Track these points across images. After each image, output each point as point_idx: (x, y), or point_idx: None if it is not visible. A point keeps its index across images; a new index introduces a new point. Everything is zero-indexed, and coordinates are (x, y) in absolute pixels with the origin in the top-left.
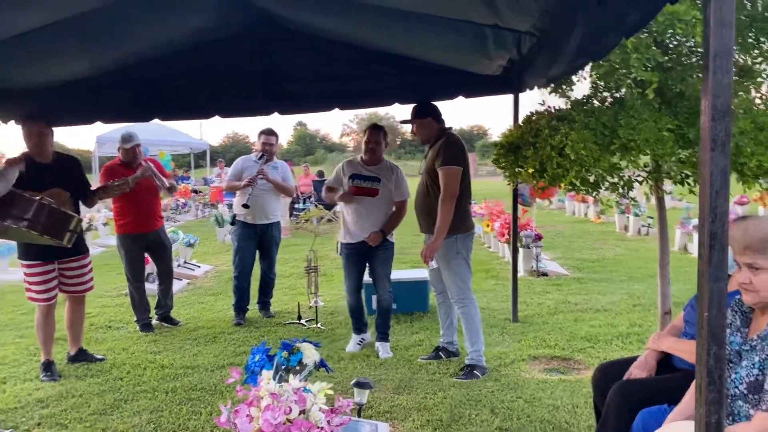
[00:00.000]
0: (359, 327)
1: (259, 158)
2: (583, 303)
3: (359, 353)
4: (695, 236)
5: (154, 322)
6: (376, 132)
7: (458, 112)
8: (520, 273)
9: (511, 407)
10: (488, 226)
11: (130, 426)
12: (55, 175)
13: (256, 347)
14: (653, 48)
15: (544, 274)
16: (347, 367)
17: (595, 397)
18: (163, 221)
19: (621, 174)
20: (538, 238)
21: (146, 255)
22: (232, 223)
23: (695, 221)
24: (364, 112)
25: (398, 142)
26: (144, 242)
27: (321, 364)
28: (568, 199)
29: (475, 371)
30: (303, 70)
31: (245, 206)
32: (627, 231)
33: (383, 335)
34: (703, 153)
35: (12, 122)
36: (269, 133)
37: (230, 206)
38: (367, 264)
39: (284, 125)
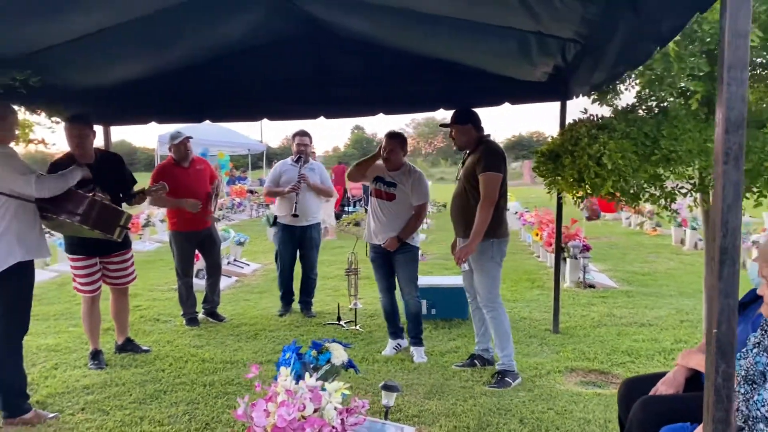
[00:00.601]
0: (395, 332)
1: (296, 161)
2: (629, 317)
3: (394, 357)
4: (754, 252)
5: (200, 316)
6: (392, 140)
7: (516, 118)
8: (567, 284)
9: (540, 418)
10: (537, 234)
11: (166, 416)
12: (97, 175)
13: (288, 345)
14: (698, 57)
15: (591, 286)
16: (381, 369)
17: (620, 412)
18: (212, 219)
19: (663, 185)
20: (586, 248)
21: (196, 252)
22: (273, 224)
23: (755, 236)
24: (421, 116)
25: (454, 148)
26: (195, 239)
27: (349, 365)
28: (624, 211)
29: (506, 378)
30: (349, 75)
31: (295, 215)
32: (683, 244)
33: (416, 340)
34: (716, 166)
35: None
36: (303, 134)
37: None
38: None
39: (342, 129)
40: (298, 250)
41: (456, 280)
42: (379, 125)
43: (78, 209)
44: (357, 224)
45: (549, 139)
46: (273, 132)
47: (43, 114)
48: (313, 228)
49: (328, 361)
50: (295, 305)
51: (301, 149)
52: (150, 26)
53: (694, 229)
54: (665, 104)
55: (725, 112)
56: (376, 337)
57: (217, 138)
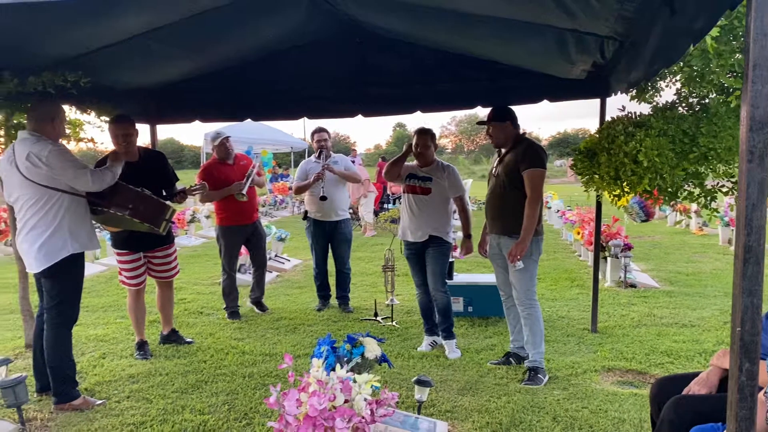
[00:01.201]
0: (430, 328)
1: (318, 156)
2: (670, 317)
3: (430, 353)
4: None
5: (247, 304)
6: (423, 136)
7: (561, 115)
8: (608, 283)
9: (574, 417)
10: (578, 233)
11: (206, 405)
12: (141, 172)
13: (323, 339)
14: (737, 53)
15: (633, 286)
16: (416, 365)
17: (652, 411)
18: (258, 214)
19: (702, 183)
20: (628, 247)
21: (242, 247)
22: (304, 218)
23: None
24: (462, 113)
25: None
26: (242, 233)
27: (382, 359)
28: (670, 210)
29: (539, 374)
30: (388, 73)
31: (323, 198)
32: (731, 245)
33: (447, 333)
34: (740, 164)
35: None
36: (321, 131)
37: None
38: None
39: (384, 127)
40: (329, 245)
41: (492, 277)
42: (421, 122)
43: (128, 202)
44: (393, 221)
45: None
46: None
47: (93, 113)
48: (343, 223)
49: (362, 354)
50: (334, 300)
51: (321, 145)
52: (195, 27)
53: None
54: (705, 101)
55: (750, 111)
56: (412, 333)
57: (261, 136)
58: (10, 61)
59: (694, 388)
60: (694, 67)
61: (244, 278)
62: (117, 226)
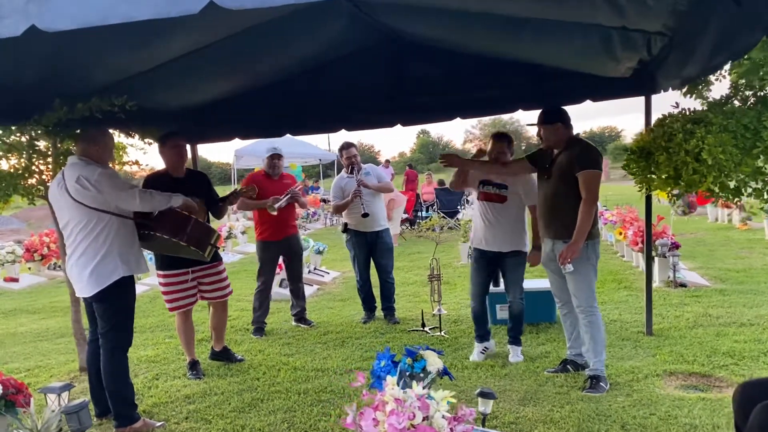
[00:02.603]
0: (482, 335)
1: (350, 172)
2: (726, 316)
3: (483, 363)
4: None
5: (293, 323)
6: (500, 142)
7: (588, 113)
8: (656, 284)
9: (644, 424)
10: (621, 233)
11: (266, 424)
12: (187, 188)
13: (382, 353)
14: None
15: (682, 285)
16: (471, 376)
17: (736, 418)
18: (297, 228)
19: (765, 178)
20: (675, 246)
21: (279, 262)
22: (344, 231)
23: None
24: (487, 118)
25: (523, 147)
26: (279, 248)
27: (444, 372)
28: (711, 205)
29: (601, 383)
30: (427, 82)
31: (365, 215)
32: None
33: (515, 339)
34: None
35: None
36: (349, 146)
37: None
38: (499, 271)
39: (407, 134)
40: (371, 256)
41: (541, 283)
42: (444, 128)
43: (175, 227)
44: (434, 230)
45: (621, 134)
46: (340, 140)
47: (137, 136)
48: (384, 233)
49: (424, 369)
50: (378, 312)
51: (351, 161)
52: (238, 45)
53: None
54: (762, 93)
55: None
56: (462, 343)
57: (290, 149)
58: (60, 88)
59: None
60: (756, 60)
61: (286, 293)
62: (163, 251)
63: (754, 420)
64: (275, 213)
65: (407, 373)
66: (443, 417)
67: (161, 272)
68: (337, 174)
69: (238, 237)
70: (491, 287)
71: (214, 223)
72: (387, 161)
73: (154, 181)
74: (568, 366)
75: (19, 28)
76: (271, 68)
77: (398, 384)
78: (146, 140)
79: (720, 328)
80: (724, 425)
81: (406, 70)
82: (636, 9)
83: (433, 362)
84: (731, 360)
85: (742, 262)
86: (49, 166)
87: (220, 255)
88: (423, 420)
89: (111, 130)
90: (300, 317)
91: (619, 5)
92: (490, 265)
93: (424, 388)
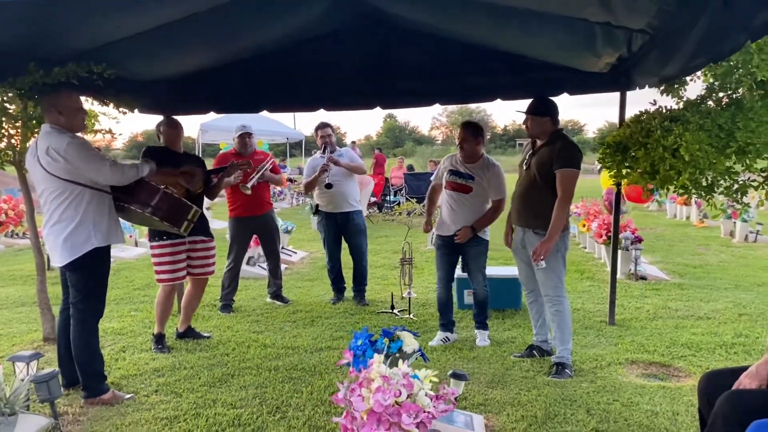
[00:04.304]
0: (445, 324)
1: (324, 152)
2: (684, 309)
3: (452, 346)
4: None
5: (268, 300)
6: (464, 129)
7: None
8: (618, 275)
9: (607, 410)
10: (584, 226)
11: (237, 399)
12: (186, 162)
13: (359, 332)
14: None
15: (643, 278)
16: (440, 358)
17: (700, 405)
18: (272, 205)
19: (736, 178)
20: (638, 240)
21: (252, 240)
22: (315, 213)
23: None
24: (454, 106)
25: (488, 137)
26: (252, 224)
27: (419, 353)
28: (670, 201)
29: (566, 369)
30: (408, 66)
31: (329, 186)
32: (733, 237)
33: (481, 324)
34: None
35: (136, 111)
36: (325, 126)
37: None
38: (461, 258)
39: (374, 117)
40: (342, 238)
41: (507, 270)
42: (411, 114)
43: (150, 200)
44: (408, 213)
45: (584, 128)
46: (306, 119)
47: (111, 105)
48: (355, 214)
49: (400, 348)
50: (348, 293)
51: (325, 140)
52: (220, 17)
53: (745, 221)
54: (736, 96)
55: None
56: (431, 326)
57: (258, 126)
58: (36, 51)
59: (744, 381)
60: (731, 62)
61: (255, 271)
62: (141, 223)
63: (718, 408)
64: (249, 193)
65: (384, 353)
66: (426, 395)
67: (155, 243)
68: (305, 154)
69: (205, 213)
70: (459, 273)
71: None
72: (353, 143)
73: (154, 152)
74: (534, 351)
75: None
76: (252, 44)
77: (384, 362)
78: (120, 109)
79: (678, 321)
80: (683, 412)
81: (388, 52)
82: (624, 6)
83: (410, 343)
84: (689, 351)
85: (699, 258)
86: (19, 131)
87: (212, 234)
88: (407, 398)
89: (85, 98)
90: (276, 294)
91: (609, 2)
92: (454, 252)
93: (408, 367)
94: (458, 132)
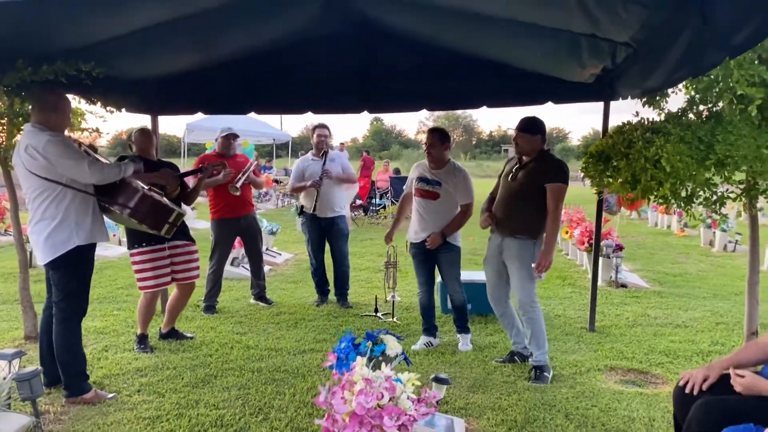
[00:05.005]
0: (428, 328)
1: (318, 155)
2: (663, 317)
3: (434, 350)
4: None
5: (251, 301)
6: (431, 134)
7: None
8: (599, 283)
9: (585, 415)
10: (567, 233)
11: (220, 400)
12: (155, 169)
13: (343, 336)
14: (756, 64)
15: (623, 286)
16: (422, 362)
17: (675, 411)
18: (254, 207)
19: (714, 190)
20: (619, 248)
21: (235, 241)
22: (300, 214)
23: None
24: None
25: (474, 142)
26: (235, 226)
27: (403, 357)
28: (651, 210)
29: (545, 373)
30: (396, 71)
31: (313, 214)
32: (712, 246)
33: (462, 328)
34: None
35: (123, 110)
36: (322, 126)
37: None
38: (436, 266)
39: (361, 120)
40: (326, 241)
41: None
42: (398, 117)
43: (129, 202)
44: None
45: (569, 136)
46: (292, 120)
47: (99, 103)
48: (339, 219)
49: (383, 352)
50: (332, 296)
51: (321, 140)
52: (209, 20)
53: (724, 231)
54: (716, 109)
55: None
56: (414, 330)
57: (244, 126)
58: (24, 49)
59: (695, 373)
60: (711, 76)
61: (239, 272)
62: (126, 224)
63: (693, 415)
64: (238, 194)
65: (366, 356)
66: (408, 398)
67: (134, 251)
68: (291, 154)
69: (187, 213)
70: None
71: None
72: (342, 144)
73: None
74: (516, 357)
75: None
76: (242, 46)
77: (367, 365)
78: (108, 108)
79: (657, 328)
80: (660, 418)
81: (376, 57)
82: (608, 19)
83: (393, 346)
84: (667, 358)
85: (678, 267)
86: (5, 128)
87: (193, 238)
88: (389, 401)
89: (73, 96)
90: (260, 296)
91: (593, 14)
92: (429, 258)
93: (390, 370)
94: (425, 137)
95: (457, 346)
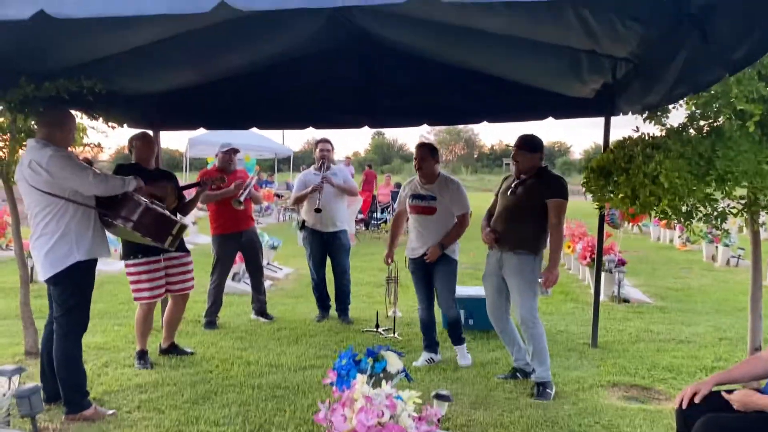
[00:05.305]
0: (429, 344)
1: (319, 168)
2: (666, 333)
3: (435, 366)
4: None
5: (252, 317)
6: (420, 149)
7: (537, 128)
8: (601, 298)
9: (588, 431)
10: (569, 247)
11: (220, 417)
12: (153, 181)
13: (344, 352)
14: (756, 80)
15: (626, 301)
16: (423, 378)
17: (678, 428)
18: (254, 222)
19: (715, 205)
20: (621, 263)
21: (236, 256)
22: (301, 229)
23: None
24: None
25: (475, 156)
26: (237, 240)
27: (404, 374)
28: (653, 225)
29: (547, 389)
30: (397, 86)
31: (318, 210)
32: (714, 261)
33: (457, 339)
34: None
35: (125, 126)
36: (325, 141)
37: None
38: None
39: (362, 134)
40: (327, 255)
41: None
42: (399, 131)
43: (132, 215)
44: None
45: (570, 149)
46: (294, 135)
47: (101, 119)
48: (341, 234)
49: (384, 369)
50: (333, 311)
51: (323, 154)
52: (210, 37)
53: (726, 246)
54: (716, 124)
55: None
56: (415, 345)
57: (246, 141)
58: (27, 66)
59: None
60: (712, 92)
61: (239, 287)
62: (128, 238)
63: (696, 430)
64: (242, 207)
65: (368, 373)
66: (409, 416)
67: (130, 262)
68: (292, 168)
69: (189, 228)
70: None
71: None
72: (348, 158)
73: (126, 170)
74: (518, 374)
75: (26, 12)
76: (243, 61)
77: (368, 383)
78: (110, 124)
79: (660, 344)
80: None
81: (378, 72)
82: (608, 35)
83: (394, 363)
84: (670, 374)
85: (681, 282)
86: (7, 143)
87: (187, 247)
88: (390, 419)
89: (75, 112)
90: (261, 311)
91: (593, 30)
92: (428, 273)
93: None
94: (414, 153)
95: (457, 361)
